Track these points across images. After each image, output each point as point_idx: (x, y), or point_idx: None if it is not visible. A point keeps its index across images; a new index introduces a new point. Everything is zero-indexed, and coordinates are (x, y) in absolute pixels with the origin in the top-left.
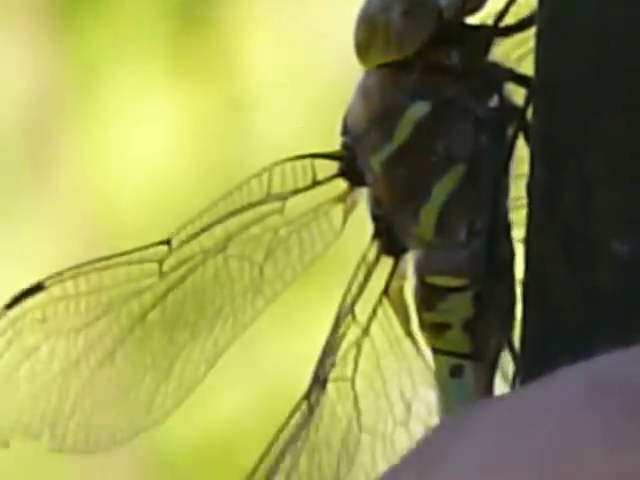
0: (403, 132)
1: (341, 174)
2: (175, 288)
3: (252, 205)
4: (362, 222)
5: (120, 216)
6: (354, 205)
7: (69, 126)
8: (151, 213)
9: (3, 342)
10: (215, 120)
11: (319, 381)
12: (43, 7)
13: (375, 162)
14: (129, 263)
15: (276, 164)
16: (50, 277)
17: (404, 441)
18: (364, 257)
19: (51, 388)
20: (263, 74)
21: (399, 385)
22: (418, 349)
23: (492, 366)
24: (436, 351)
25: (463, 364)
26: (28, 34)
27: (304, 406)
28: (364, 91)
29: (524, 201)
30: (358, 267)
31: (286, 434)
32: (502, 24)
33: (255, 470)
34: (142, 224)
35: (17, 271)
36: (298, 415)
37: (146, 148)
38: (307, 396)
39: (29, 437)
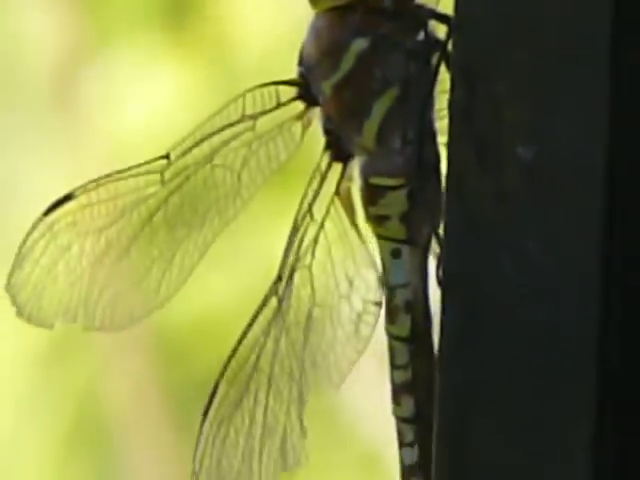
0: (348, 62)
1: (299, 97)
2: (174, 193)
3: (230, 124)
4: (317, 135)
5: (130, 149)
6: (310, 122)
7: (89, 73)
8: (155, 144)
9: (43, 243)
10: (207, 71)
11: (286, 274)
12: None
13: (326, 87)
14: (137, 175)
15: (248, 91)
16: (77, 188)
17: (347, 311)
18: (318, 165)
19: (82, 278)
20: (253, 40)
21: (344, 267)
22: (362, 238)
23: (424, 249)
24: (379, 237)
25: (401, 248)
26: None
27: (274, 298)
28: (316, 30)
29: (447, 112)
30: (313, 174)
31: (262, 321)
32: None
33: (233, 354)
34: (148, 153)
35: (49, 187)
36: (269, 307)
37: (152, 94)
38: (276, 289)
39: (68, 320)
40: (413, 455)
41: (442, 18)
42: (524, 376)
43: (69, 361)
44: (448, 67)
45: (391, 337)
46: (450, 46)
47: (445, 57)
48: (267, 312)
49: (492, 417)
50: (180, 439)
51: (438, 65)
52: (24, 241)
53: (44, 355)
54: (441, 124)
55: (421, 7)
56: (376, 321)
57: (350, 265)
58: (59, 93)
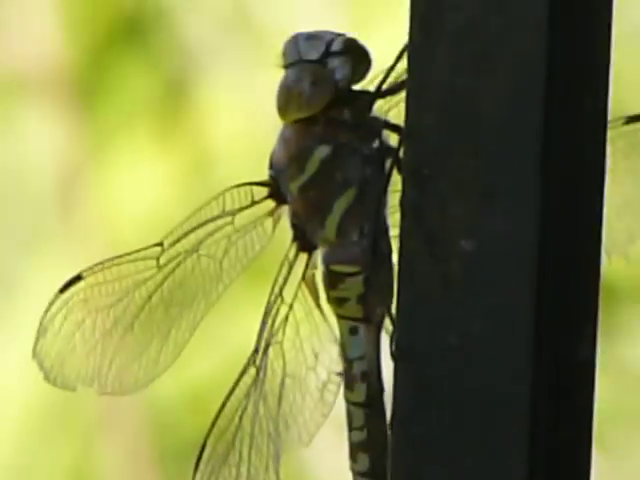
0: (312, 167)
1: (270, 196)
2: (168, 277)
3: (213, 219)
4: (285, 230)
5: (127, 240)
6: (279, 217)
7: (88, 180)
8: (149, 237)
9: (61, 316)
10: (192, 172)
11: (262, 348)
12: (68, 92)
13: (293, 187)
14: (136, 259)
15: (227, 190)
16: (85, 270)
17: (313, 380)
18: (286, 255)
19: (96, 349)
20: (226, 142)
21: (311, 343)
22: (325, 317)
23: (378, 326)
24: (339, 317)
25: (358, 326)
26: (56, 111)
27: (252, 368)
28: (284, 139)
29: (398, 208)
30: (282, 263)
31: (241, 388)
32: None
33: (218, 415)
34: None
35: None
36: (248, 375)
37: (143, 193)
38: (253, 360)
39: (86, 384)
40: None
41: (394, 128)
42: (465, 432)
43: (69, 422)
44: (399, 170)
45: (349, 403)
46: (401, 152)
47: (397, 161)
48: (247, 379)
49: (441, 467)
50: None
51: (391, 168)
52: (45, 314)
53: (46, 416)
54: (393, 219)
55: (376, 119)
56: (339, 389)
57: (315, 341)
58: (62, 198)
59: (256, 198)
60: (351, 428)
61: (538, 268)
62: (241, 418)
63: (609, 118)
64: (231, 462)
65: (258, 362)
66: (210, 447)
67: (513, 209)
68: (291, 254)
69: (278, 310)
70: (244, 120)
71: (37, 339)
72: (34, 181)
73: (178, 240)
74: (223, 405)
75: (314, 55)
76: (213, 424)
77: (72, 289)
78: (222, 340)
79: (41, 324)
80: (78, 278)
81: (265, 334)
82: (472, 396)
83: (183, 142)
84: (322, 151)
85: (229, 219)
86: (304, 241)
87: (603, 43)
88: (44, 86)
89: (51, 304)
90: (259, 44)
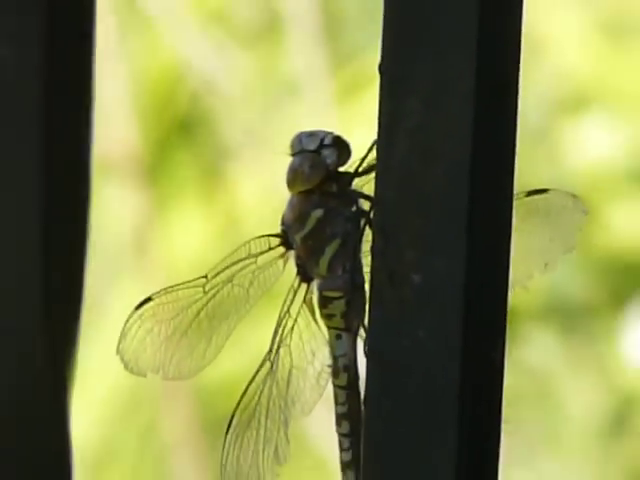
0: (310, 224)
1: (281, 244)
2: (211, 300)
3: (242, 259)
4: (291, 267)
5: (182, 275)
6: (288, 259)
7: (154, 233)
8: (198, 273)
9: (136, 326)
10: (227, 228)
11: (275, 348)
12: (139, 169)
13: (297, 238)
14: (188, 287)
15: (251, 239)
16: (154, 294)
17: (311, 371)
18: (292, 285)
19: (160, 349)
20: (252, 207)
21: (310, 345)
22: (319, 327)
23: (355, 334)
24: (328, 327)
25: (342, 334)
26: (131, 183)
27: (269, 363)
28: (291, 205)
29: (369, 253)
30: (289, 290)
31: (260, 376)
32: (358, 170)
33: (244, 395)
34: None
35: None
36: (265, 368)
37: (193, 242)
38: (269, 357)
39: (154, 373)
40: (348, 456)
41: (367, 197)
42: (413, 409)
43: (140, 401)
44: (370, 227)
45: (335, 386)
46: (372, 214)
47: (368, 221)
48: (263, 370)
49: (397, 433)
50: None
51: (364, 225)
52: (125, 324)
53: (123, 396)
54: (366, 260)
55: (354, 191)
56: (329, 376)
57: (313, 343)
58: (136, 246)
59: (271, 245)
60: (337, 403)
61: (465, 295)
62: (259, 397)
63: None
64: (252, 427)
65: (272, 358)
66: (237, 417)
67: (448, 253)
68: (295, 284)
69: (286, 322)
70: (265, 193)
71: (119, 341)
72: (117, 234)
73: (217, 274)
74: (246, 388)
75: (312, 147)
76: (239, 401)
77: (144, 307)
78: (247, 343)
79: (122, 331)
80: (148, 299)
81: (277, 339)
82: (418, 385)
83: (220, 208)
84: (317, 213)
85: (253, 260)
86: (304, 275)
87: (513, 124)
88: (121, 164)
89: (130, 317)
90: (276, 141)
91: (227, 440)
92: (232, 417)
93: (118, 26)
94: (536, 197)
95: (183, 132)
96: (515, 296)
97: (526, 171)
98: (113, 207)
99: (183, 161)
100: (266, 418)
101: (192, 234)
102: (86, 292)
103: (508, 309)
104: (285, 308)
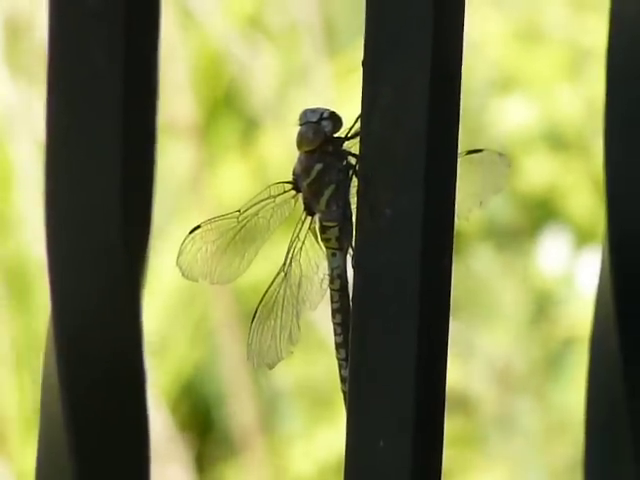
0: (313, 174)
1: (293, 188)
2: (243, 227)
3: (265, 199)
4: (299, 205)
5: (224, 209)
6: (297, 199)
7: (206, 177)
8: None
9: (190, 245)
10: (261, 173)
11: (288, 262)
12: (193, 127)
13: (304, 184)
14: (226, 218)
15: (271, 185)
16: (202, 222)
17: (316, 278)
18: (300, 217)
19: (207, 262)
20: (280, 160)
21: (315, 260)
22: (320, 247)
23: (346, 252)
24: (327, 248)
25: (336, 252)
26: (187, 140)
27: (283, 273)
28: (299, 161)
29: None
30: (298, 221)
31: (277, 282)
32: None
33: (264, 295)
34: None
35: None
36: (280, 276)
37: (233, 185)
38: (284, 269)
39: (203, 279)
40: (340, 339)
41: (354, 155)
42: (380, 309)
43: (194, 302)
44: (356, 176)
45: (331, 289)
46: (357, 167)
47: (355, 172)
48: (279, 279)
49: (372, 328)
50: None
51: (352, 175)
52: (182, 243)
53: (181, 299)
54: (353, 200)
55: (345, 150)
56: (328, 283)
57: (316, 259)
58: (192, 187)
59: (286, 189)
60: (332, 302)
61: (423, 224)
62: (276, 297)
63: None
64: (271, 318)
65: (285, 270)
66: (259, 311)
67: (411, 194)
68: (303, 216)
69: (296, 244)
70: (284, 149)
71: (178, 256)
72: (178, 179)
73: (247, 209)
74: (266, 290)
75: (314, 119)
76: (261, 300)
77: (195, 232)
78: (269, 258)
79: (180, 249)
80: (198, 226)
81: (289, 256)
82: (388, 288)
83: (253, 160)
84: (318, 166)
85: (273, 199)
86: (309, 210)
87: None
88: (182, 126)
89: (185, 239)
90: (289, 110)
91: (252, 327)
92: (256, 311)
93: (180, 26)
94: (474, 155)
95: (225, 104)
96: (461, 224)
97: (469, 136)
98: (175, 158)
99: (226, 125)
100: (282, 312)
101: (232, 179)
102: (154, 219)
103: (455, 232)
104: (295, 234)
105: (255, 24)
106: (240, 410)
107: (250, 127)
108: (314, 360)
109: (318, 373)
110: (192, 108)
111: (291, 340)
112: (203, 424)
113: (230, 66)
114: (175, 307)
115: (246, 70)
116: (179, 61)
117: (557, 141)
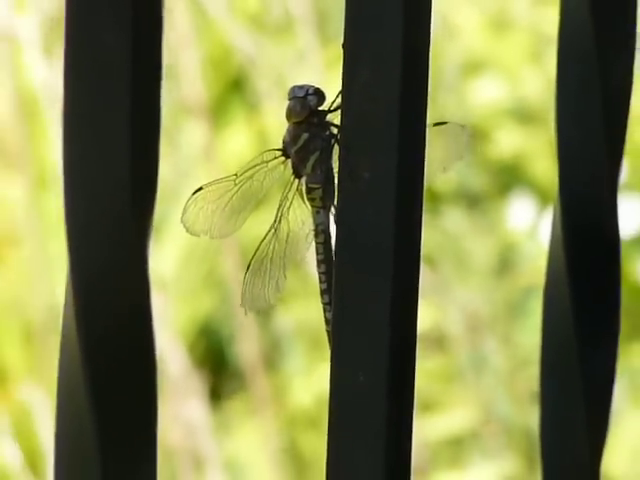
0: (300, 142)
1: (283, 155)
2: (240, 189)
3: (258, 164)
4: (288, 170)
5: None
6: (287, 164)
7: (215, 151)
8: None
9: (193, 204)
10: (260, 142)
11: (277, 220)
12: (205, 110)
13: (292, 151)
14: (224, 180)
15: (264, 151)
16: (204, 184)
17: (302, 233)
18: (289, 180)
19: (207, 219)
20: (276, 129)
21: (301, 217)
22: (307, 206)
23: (329, 210)
24: (312, 206)
25: (320, 210)
26: (198, 121)
27: (273, 230)
28: (288, 131)
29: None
30: (287, 184)
31: (267, 238)
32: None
33: (256, 250)
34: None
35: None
36: (271, 232)
37: (236, 152)
38: (274, 225)
39: (204, 234)
40: (325, 285)
41: (336, 126)
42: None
43: (204, 252)
44: (338, 144)
45: (316, 242)
46: (339, 136)
47: (337, 140)
48: (269, 234)
49: (353, 271)
50: None
51: (334, 143)
52: (186, 203)
53: (191, 251)
54: (335, 165)
55: (328, 121)
56: (313, 236)
57: (303, 216)
58: (203, 160)
59: (276, 156)
60: (317, 254)
61: (397, 186)
62: (267, 251)
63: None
64: (261, 269)
65: (275, 226)
66: (252, 263)
67: (386, 159)
68: (291, 179)
69: (285, 203)
70: (281, 123)
71: (182, 214)
72: (191, 148)
73: (243, 172)
74: (258, 246)
75: (301, 94)
76: (254, 254)
77: (197, 193)
78: (261, 217)
79: (184, 208)
80: (200, 188)
81: (279, 214)
82: (366, 241)
83: (256, 131)
84: (304, 136)
85: (265, 164)
86: (297, 174)
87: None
88: (194, 106)
89: (188, 199)
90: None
91: (245, 277)
92: (249, 264)
93: (195, 23)
94: (440, 126)
95: (233, 87)
96: (437, 188)
97: (442, 111)
98: (188, 132)
99: (233, 104)
100: (270, 264)
101: (238, 148)
102: (164, 184)
103: (431, 195)
104: (284, 194)
105: (258, 19)
106: (248, 350)
107: (253, 106)
108: (311, 305)
109: (314, 316)
110: (205, 91)
111: (278, 288)
112: (216, 362)
113: (237, 55)
114: (190, 259)
115: (251, 58)
116: (194, 51)
117: (522, 115)
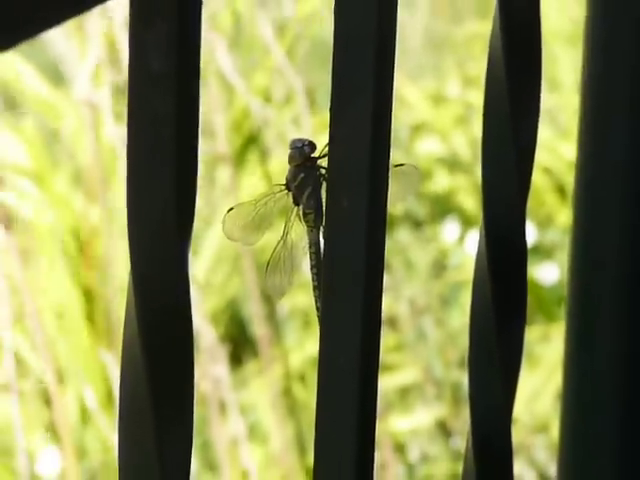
0: (298, 179)
1: (286, 188)
2: (258, 212)
3: (268, 194)
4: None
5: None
6: (289, 195)
7: (238, 186)
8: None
9: (228, 219)
10: (271, 181)
11: (284, 235)
12: (227, 158)
13: (293, 186)
14: (248, 204)
15: (273, 185)
16: (233, 206)
17: (301, 245)
18: (291, 207)
19: (239, 231)
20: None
21: (300, 233)
22: (304, 226)
23: (319, 229)
24: (307, 226)
25: (313, 229)
26: (225, 161)
27: (283, 240)
28: (289, 172)
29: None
30: (289, 209)
31: (278, 247)
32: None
33: (271, 256)
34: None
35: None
36: (280, 243)
37: (256, 186)
38: (282, 238)
39: (238, 241)
40: (315, 283)
41: (325, 168)
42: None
43: (235, 255)
44: (326, 181)
45: (310, 253)
46: (327, 175)
47: (325, 178)
48: (280, 245)
49: (339, 267)
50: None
51: (323, 181)
52: (223, 217)
53: (222, 252)
54: (324, 196)
55: (319, 165)
56: (308, 248)
57: (301, 233)
58: (229, 187)
59: (282, 189)
60: (310, 260)
61: (368, 217)
62: (279, 256)
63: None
64: (277, 269)
65: (283, 238)
66: (270, 264)
67: (359, 193)
68: (292, 206)
69: (288, 223)
70: (285, 165)
71: (222, 226)
72: (219, 187)
73: (259, 200)
74: (272, 252)
75: (299, 145)
76: (270, 258)
77: (229, 212)
78: (274, 233)
79: (222, 221)
80: (232, 208)
81: (285, 230)
82: (344, 246)
83: (269, 170)
84: (301, 175)
85: (274, 195)
86: (296, 202)
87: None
88: (221, 155)
89: (225, 216)
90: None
91: (266, 274)
92: (267, 265)
93: (221, 91)
94: (399, 167)
95: (250, 140)
96: (390, 213)
97: (398, 158)
98: (218, 175)
99: (250, 153)
100: (283, 264)
101: (254, 185)
102: (201, 211)
103: (388, 218)
104: (288, 217)
105: (268, 91)
106: (260, 327)
107: (264, 155)
108: (304, 294)
109: (306, 304)
110: (229, 144)
111: (290, 282)
112: (237, 336)
113: (253, 118)
114: (219, 262)
115: (262, 120)
116: (222, 114)
117: (453, 163)
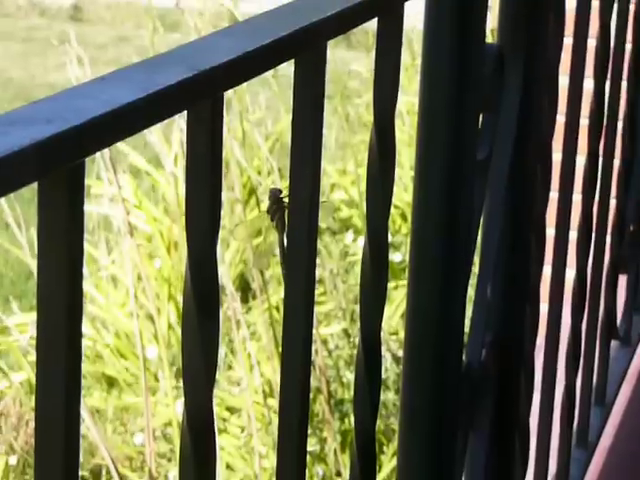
0: (273, 208)
1: (267, 212)
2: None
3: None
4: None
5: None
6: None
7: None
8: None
9: (236, 230)
10: None
11: (265, 236)
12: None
13: (271, 211)
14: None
15: (270, 188)
16: (238, 223)
17: (277, 239)
18: (270, 223)
19: (246, 239)
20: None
21: (274, 235)
22: (276, 231)
23: (284, 234)
24: (277, 232)
25: (281, 235)
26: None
27: (264, 239)
28: (269, 205)
29: None
30: (269, 224)
31: (262, 242)
32: None
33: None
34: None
35: None
36: (264, 240)
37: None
38: (265, 237)
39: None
40: (282, 260)
41: (287, 203)
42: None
43: None
44: (288, 209)
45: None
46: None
47: (287, 208)
48: (263, 241)
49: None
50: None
51: (286, 209)
52: (235, 228)
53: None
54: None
55: (284, 201)
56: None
57: (275, 236)
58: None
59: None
60: (281, 251)
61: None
62: (263, 248)
63: None
64: (262, 254)
65: (264, 239)
66: (258, 251)
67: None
68: (270, 222)
69: (268, 231)
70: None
71: (234, 235)
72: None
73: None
74: (259, 245)
75: (274, 191)
76: (259, 248)
77: (238, 226)
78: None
79: (234, 231)
80: (237, 224)
81: (265, 235)
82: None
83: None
84: (274, 207)
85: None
86: (272, 219)
87: None
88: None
89: (234, 228)
90: None
91: (254, 257)
92: (258, 252)
93: (231, 149)
94: (324, 203)
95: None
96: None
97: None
98: (228, 207)
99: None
100: (266, 252)
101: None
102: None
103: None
104: (267, 227)
105: (260, 167)
106: (257, 283)
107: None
108: (278, 267)
109: (280, 272)
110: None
111: (269, 262)
112: (244, 288)
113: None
114: (234, 249)
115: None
116: (234, 166)
117: (351, 203)
